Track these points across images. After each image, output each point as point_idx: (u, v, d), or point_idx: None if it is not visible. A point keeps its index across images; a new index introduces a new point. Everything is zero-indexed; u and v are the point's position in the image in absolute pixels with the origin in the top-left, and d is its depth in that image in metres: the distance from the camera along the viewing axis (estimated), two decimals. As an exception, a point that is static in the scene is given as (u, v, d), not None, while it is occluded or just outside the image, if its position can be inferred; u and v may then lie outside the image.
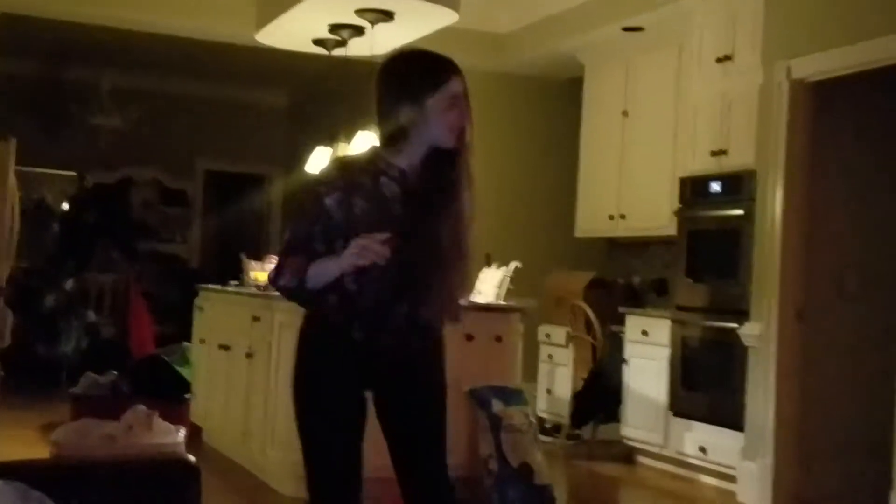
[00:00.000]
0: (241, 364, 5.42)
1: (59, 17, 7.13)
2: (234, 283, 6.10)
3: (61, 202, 9.86)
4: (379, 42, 6.31)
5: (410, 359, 2.56)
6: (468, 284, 2.62)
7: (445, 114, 2.47)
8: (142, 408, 4.01)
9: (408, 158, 2.48)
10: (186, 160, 10.46)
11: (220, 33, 7.28)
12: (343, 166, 2.56)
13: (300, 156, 8.33)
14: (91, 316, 8.82)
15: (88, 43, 8.46)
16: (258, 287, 5.68)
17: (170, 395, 4.88)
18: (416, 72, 2.50)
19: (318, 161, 6.97)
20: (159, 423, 3.99)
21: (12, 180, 5.13)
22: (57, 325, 8.58)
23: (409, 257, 2.40)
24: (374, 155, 2.53)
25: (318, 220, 2.45)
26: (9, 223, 5.02)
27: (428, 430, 2.61)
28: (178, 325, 7.85)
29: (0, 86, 7.73)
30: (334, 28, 6.43)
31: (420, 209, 2.44)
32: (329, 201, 2.44)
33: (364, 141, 6.32)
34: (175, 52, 8.60)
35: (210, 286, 6.42)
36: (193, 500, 2.40)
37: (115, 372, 5.69)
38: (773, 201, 5.15)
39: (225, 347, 5.76)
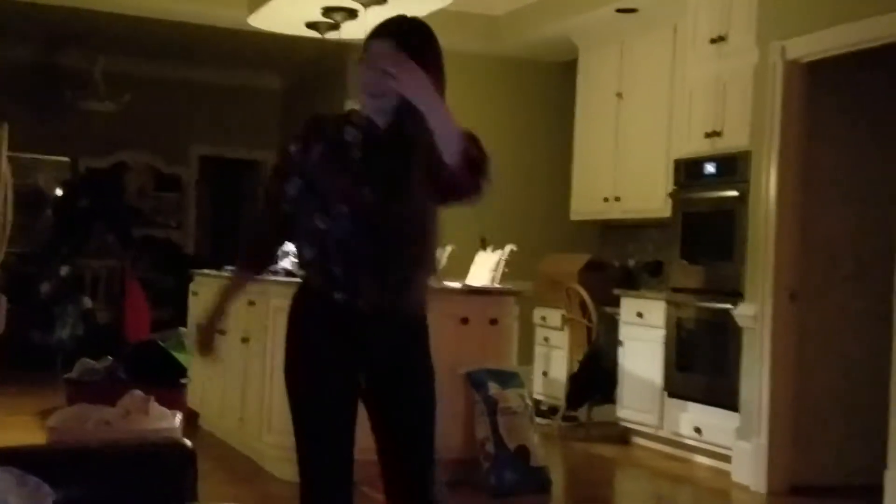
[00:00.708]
0: (237, 349, 5.42)
1: (51, 2, 7.09)
2: (229, 268, 6.09)
3: (55, 187, 9.83)
4: (372, 24, 6.28)
5: (401, 323, 2.54)
6: (431, 250, 2.56)
7: (364, 74, 2.48)
8: (138, 393, 4.01)
9: (379, 111, 2.48)
10: (180, 145, 10.42)
11: (213, 17, 7.25)
12: (311, 118, 2.59)
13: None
14: (86, 302, 8.81)
15: (81, 27, 8.41)
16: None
17: (166, 380, 4.88)
18: (369, 34, 2.52)
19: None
20: (156, 408, 3.99)
21: (5, 166, 5.12)
22: (52, 310, 8.57)
23: (367, 204, 2.42)
24: (351, 110, 2.60)
25: (286, 172, 2.52)
26: (2, 209, 5.01)
27: (417, 416, 2.59)
28: (173, 311, 7.85)
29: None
30: (327, 11, 6.40)
31: (379, 155, 2.46)
32: (292, 149, 2.52)
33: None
34: (168, 37, 8.57)
35: (205, 271, 6.41)
36: (190, 484, 2.41)
37: (111, 357, 5.69)
38: (768, 182, 5.15)
39: (220, 332, 5.75)
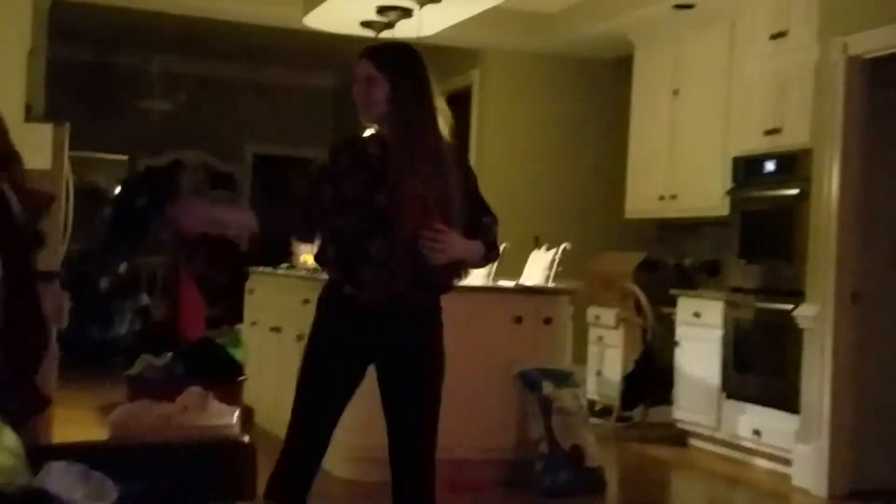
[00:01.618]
0: (292, 346, 5.45)
1: (110, 3, 7.19)
2: (284, 265, 6.13)
3: (113, 186, 9.99)
4: (426, 24, 6.29)
5: (404, 320, 2.81)
6: (442, 248, 2.76)
7: (354, 90, 2.87)
8: (197, 389, 4.03)
9: (373, 120, 2.89)
10: (235, 143, 10.53)
11: (268, 17, 7.30)
12: (343, 138, 3.02)
13: (348, 138, 8.35)
14: (143, 298, 8.92)
15: (139, 28, 8.53)
16: (308, 270, 5.70)
17: (223, 376, 4.91)
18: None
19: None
20: (214, 405, 4.01)
21: (66, 164, 5.19)
22: (110, 307, 8.69)
23: (379, 209, 2.75)
24: (376, 131, 2.94)
25: (319, 181, 2.88)
26: (63, 207, 5.08)
27: (416, 413, 2.85)
28: (227, 308, 7.92)
29: (52, 71, 7.83)
30: (382, 10, 6.42)
31: (391, 166, 2.79)
32: (326, 162, 2.90)
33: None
34: (223, 37, 8.65)
35: (260, 269, 6.46)
36: (248, 479, 2.42)
37: (170, 354, 5.75)
38: (830, 180, 5.05)
39: (276, 329, 5.80)
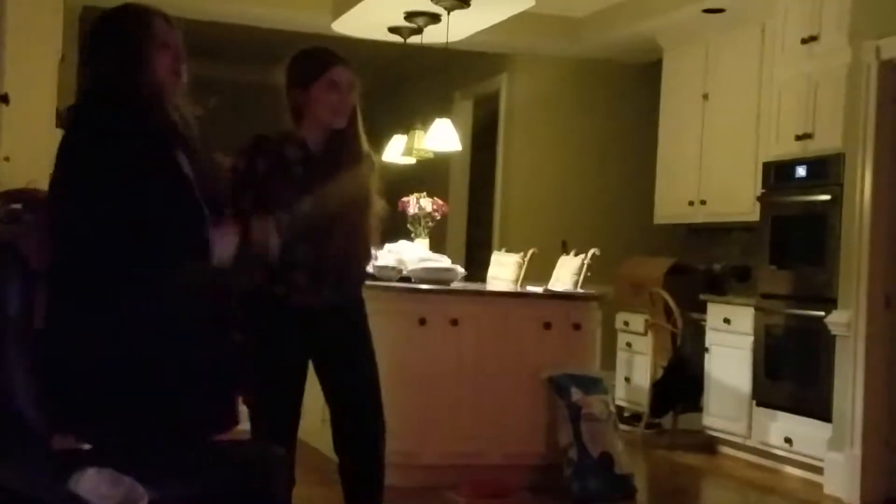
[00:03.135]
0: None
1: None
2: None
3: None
4: (454, 29, 6.28)
5: (329, 315, 3.01)
6: (363, 247, 3.07)
7: (329, 96, 3.04)
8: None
9: (309, 132, 3.05)
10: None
11: (297, 23, 7.32)
12: (254, 137, 3.11)
13: (376, 144, 8.35)
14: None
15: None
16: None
17: (253, 382, 4.94)
18: (303, 61, 3.13)
19: (394, 149, 6.97)
20: (243, 410, 4.02)
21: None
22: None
23: (305, 215, 2.88)
24: (290, 130, 3.09)
25: (239, 186, 2.95)
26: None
27: (361, 383, 3.11)
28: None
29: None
30: (410, 16, 6.41)
31: (317, 172, 2.96)
32: (240, 165, 3.02)
33: (441, 128, 6.30)
34: (253, 42, 8.69)
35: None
36: (280, 485, 2.42)
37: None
38: (863, 185, 5.00)
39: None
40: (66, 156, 2.32)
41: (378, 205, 3.09)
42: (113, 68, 2.36)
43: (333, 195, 2.91)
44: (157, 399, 2.24)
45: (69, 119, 2.41)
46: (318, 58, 3.08)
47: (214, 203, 2.42)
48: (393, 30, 6.73)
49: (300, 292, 2.97)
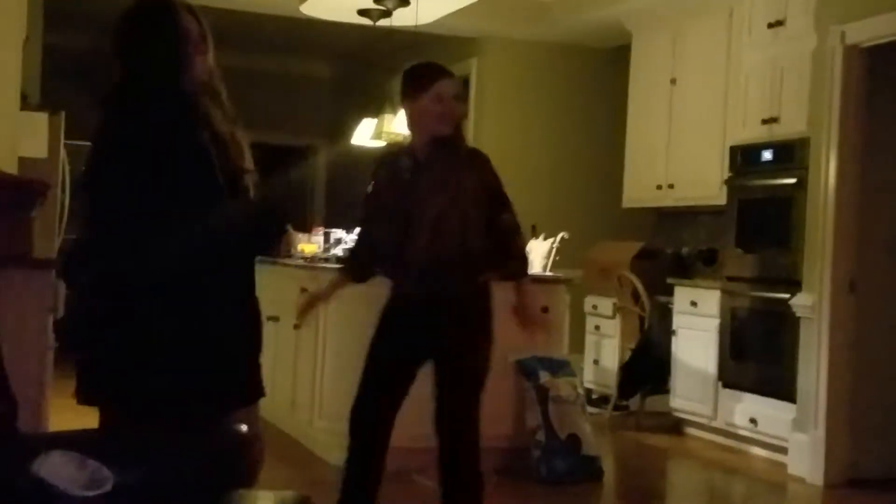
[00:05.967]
0: (289, 335, 5.44)
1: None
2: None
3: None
4: (423, 12, 6.27)
5: (438, 307, 3.23)
6: (465, 242, 3.23)
7: (435, 107, 3.26)
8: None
9: (419, 140, 3.31)
10: (231, 132, 10.49)
11: (265, 5, 7.27)
12: (379, 155, 3.52)
13: (345, 127, 8.33)
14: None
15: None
16: (305, 259, 5.69)
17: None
18: (413, 76, 3.36)
19: (364, 132, 6.95)
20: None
21: (62, 153, 5.19)
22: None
23: (412, 217, 3.19)
24: (402, 142, 3.48)
25: (369, 202, 3.43)
26: (59, 196, 5.08)
27: (461, 380, 3.29)
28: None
29: (49, 59, 7.81)
30: (379, -2, 6.39)
31: (422, 177, 3.24)
32: (372, 182, 3.43)
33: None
34: (220, 25, 8.60)
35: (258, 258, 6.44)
36: (245, 468, 2.42)
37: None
38: (827, 169, 5.05)
39: (274, 319, 5.78)
40: (106, 146, 2.44)
41: (503, 199, 3.38)
42: (151, 68, 2.54)
43: (434, 196, 3.20)
44: (181, 371, 2.32)
45: (110, 112, 2.51)
46: (425, 72, 3.35)
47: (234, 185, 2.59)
48: (362, 12, 6.70)
49: (411, 289, 3.27)
